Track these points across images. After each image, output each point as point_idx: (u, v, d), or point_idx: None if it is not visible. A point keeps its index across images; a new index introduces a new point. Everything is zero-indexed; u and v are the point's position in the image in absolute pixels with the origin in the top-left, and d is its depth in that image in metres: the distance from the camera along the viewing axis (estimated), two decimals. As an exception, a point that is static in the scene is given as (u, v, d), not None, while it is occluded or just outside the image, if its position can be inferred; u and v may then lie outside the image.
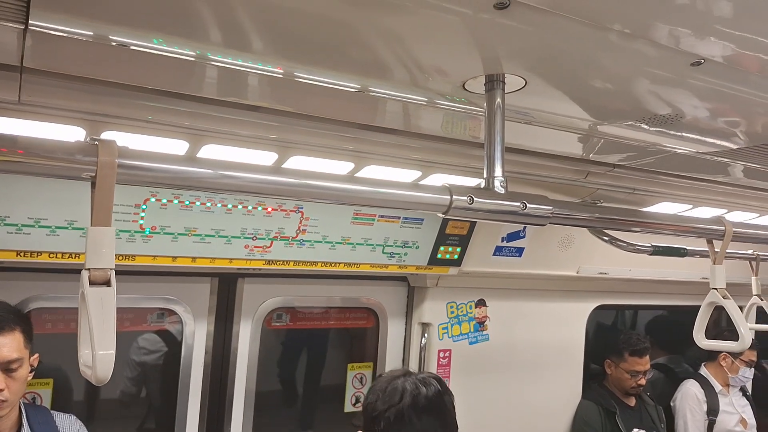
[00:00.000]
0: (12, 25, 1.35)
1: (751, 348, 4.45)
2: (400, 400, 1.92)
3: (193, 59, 1.57)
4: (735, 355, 4.44)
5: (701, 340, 2.16)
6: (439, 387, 1.99)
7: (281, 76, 1.70)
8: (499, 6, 1.23)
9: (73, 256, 2.42)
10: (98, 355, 1.02)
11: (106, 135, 1.94)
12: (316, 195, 1.46)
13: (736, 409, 4.52)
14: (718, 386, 4.50)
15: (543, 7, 1.24)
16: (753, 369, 4.57)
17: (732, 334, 2.04)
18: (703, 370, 4.60)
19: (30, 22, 1.33)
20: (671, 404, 4.52)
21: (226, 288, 3.09)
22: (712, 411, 4.38)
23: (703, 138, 2.25)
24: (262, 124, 2.07)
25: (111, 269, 1.11)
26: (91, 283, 1.09)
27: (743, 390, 4.70)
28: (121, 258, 2.49)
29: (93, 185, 1.13)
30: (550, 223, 1.73)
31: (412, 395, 1.93)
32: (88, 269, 1.10)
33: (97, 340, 1.03)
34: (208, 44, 1.50)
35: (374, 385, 2.06)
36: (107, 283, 1.10)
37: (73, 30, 1.40)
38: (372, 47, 1.51)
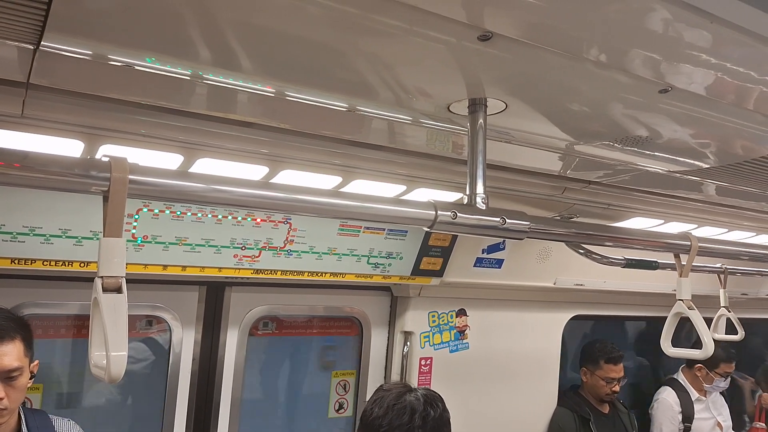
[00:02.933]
0: (25, 45, 1.43)
1: (727, 361, 4.60)
2: (410, 420, 2.01)
3: (187, 78, 1.64)
4: (710, 368, 4.58)
5: (668, 348, 2.27)
6: (441, 407, 2.10)
7: (273, 95, 1.78)
8: (482, 38, 1.34)
9: (66, 263, 2.48)
10: (112, 356, 1.10)
11: (103, 149, 2.02)
12: (309, 209, 1.54)
13: (713, 414, 4.66)
14: (694, 393, 4.64)
15: (523, 39, 1.35)
16: (728, 379, 4.71)
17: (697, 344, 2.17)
18: (680, 376, 4.73)
19: (42, 43, 1.41)
20: (649, 411, 4.66)
21: (214, 296, 3.15)
22: (687, 418, 4.52)
23: (675, 158, 2.36)
24: (254, 139, 2.12)
25: (122, 277, 1.19)
26: (104, 290, 1.17)
27: (722, 393, 4.84)
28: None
29: (105, 199, 1.21)
30: (527, 237, 1.83)
31: (422, 416, 2.02)
32: (101, 277, 1.18)
33: (111, 342, 1.11)
34: (202, 64, 1.56)
35: (379, 398, 2.11)
36: (119, 290, 1.18)
37: (79, 50, 1.48)
38: (362, 71, 1.59)
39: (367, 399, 3.52)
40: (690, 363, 4.69)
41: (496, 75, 1.56)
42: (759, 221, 3.55)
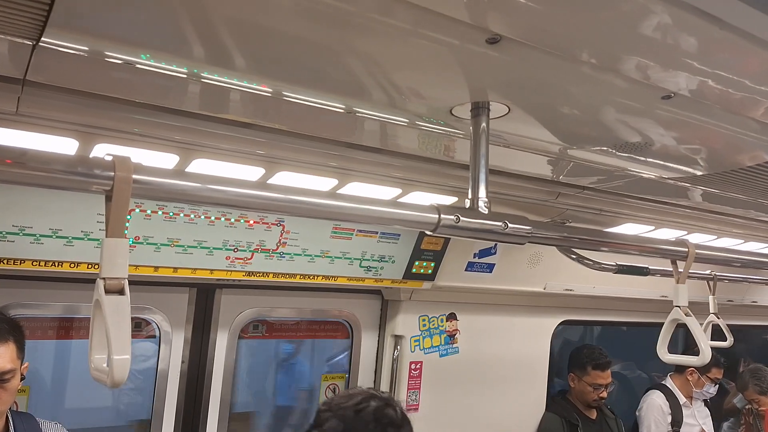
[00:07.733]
0: (24, 41, 1.40)
1: (718, 366, 4.63)
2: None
3: (184, 76, 1.61)
4: (702, 372, 4.60)
5: (664, 354, 2.27)
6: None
7: (270, 95, 1.76)
8: (490, 41, 1.33)
9: (56, 264, 2.44)
10: (115, 360, 1.07)
11: (98, 148, 1.99)
12: (313, 212, 1.53)
13: (698, 421, 4.68)
14: (682, 398, 4.65)
15: (531, 43, 1.35)
16: (717, 385, 4.74)
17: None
18: (669, 381, 4.74)
19: (42, 39, 1.38)
20: (636, 414, 4.66)
21: (204, 298, 3.12)
22: (676, 422, 4.53)
23: (668, 164, 2.37)
24: (251, 140, 2.10)
25: (125, 278, 1.17)
26: (106, 291, 1.14)
27: (705, 401, 4.87)
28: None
29: (108, 199, 1.18)
30: (528, 242, 1.83)
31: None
32: (104, 278, 1.15)
33: (114, 345, 1.08)
34: (198, 62, 1.54)
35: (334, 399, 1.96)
36: (121, 292, 1.15)
37: (78, 47, 1.45)
38: (362, 73, 1.58)
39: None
40: (680, 368, 4.70)
41: (502, 78, 1.55)
42: (748, 228, 3.58)
